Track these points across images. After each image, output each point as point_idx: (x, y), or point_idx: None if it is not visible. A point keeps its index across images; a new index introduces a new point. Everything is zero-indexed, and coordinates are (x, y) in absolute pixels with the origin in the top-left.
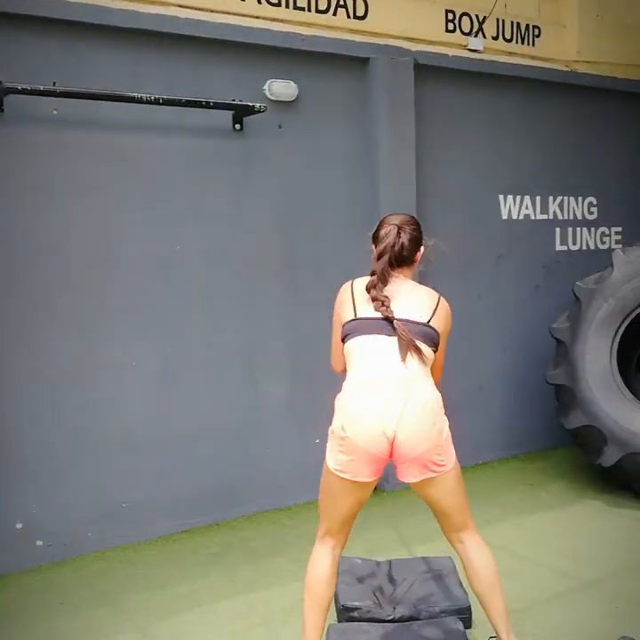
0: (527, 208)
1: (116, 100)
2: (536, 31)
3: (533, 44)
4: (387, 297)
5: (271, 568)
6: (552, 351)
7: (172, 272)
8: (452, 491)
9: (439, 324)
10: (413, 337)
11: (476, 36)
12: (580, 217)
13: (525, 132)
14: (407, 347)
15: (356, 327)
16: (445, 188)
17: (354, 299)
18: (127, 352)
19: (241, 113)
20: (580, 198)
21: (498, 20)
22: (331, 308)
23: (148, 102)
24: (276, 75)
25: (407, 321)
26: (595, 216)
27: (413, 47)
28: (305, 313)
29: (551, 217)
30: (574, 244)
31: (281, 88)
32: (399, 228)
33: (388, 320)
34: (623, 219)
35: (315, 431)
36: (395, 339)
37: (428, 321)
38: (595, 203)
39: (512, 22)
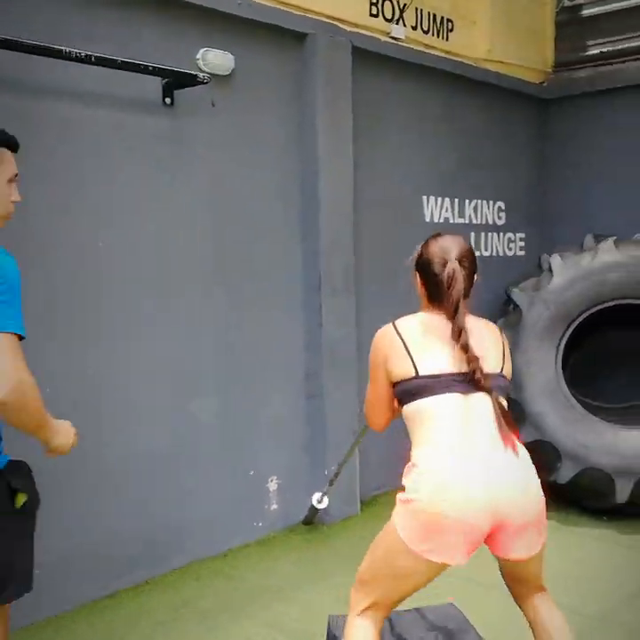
0: (447, 211)
1: (42, 54)
2: (449, 25)
3: (447, 39)
4: (476, 357)
5: (238, 634)
6: None
7: (88, 270)
8: (541, 557)
9: (508, 369)
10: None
11: (397, 23)
12: (491, 222)
13: (446, 129)
14: (499, 410)
15: (425, 386)
16: (374, 184)
17: (408, 349)
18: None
19: (176, 83)
20: (491, 202)
21: (416, 9)
22: (268, 308)
23: (79, 60)
24: (210, 44)
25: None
26: (503, 221)
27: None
28: (238, 313)
29: (467, 221)
30: (486, 249)
31: (217, 58)
32: (461, 265)
33: (466, 375)
34: (525, 225)
35: (250, 460)
36: (476, 395)
37: (502, 369)
38: (503, 208)
39: (429, 13)
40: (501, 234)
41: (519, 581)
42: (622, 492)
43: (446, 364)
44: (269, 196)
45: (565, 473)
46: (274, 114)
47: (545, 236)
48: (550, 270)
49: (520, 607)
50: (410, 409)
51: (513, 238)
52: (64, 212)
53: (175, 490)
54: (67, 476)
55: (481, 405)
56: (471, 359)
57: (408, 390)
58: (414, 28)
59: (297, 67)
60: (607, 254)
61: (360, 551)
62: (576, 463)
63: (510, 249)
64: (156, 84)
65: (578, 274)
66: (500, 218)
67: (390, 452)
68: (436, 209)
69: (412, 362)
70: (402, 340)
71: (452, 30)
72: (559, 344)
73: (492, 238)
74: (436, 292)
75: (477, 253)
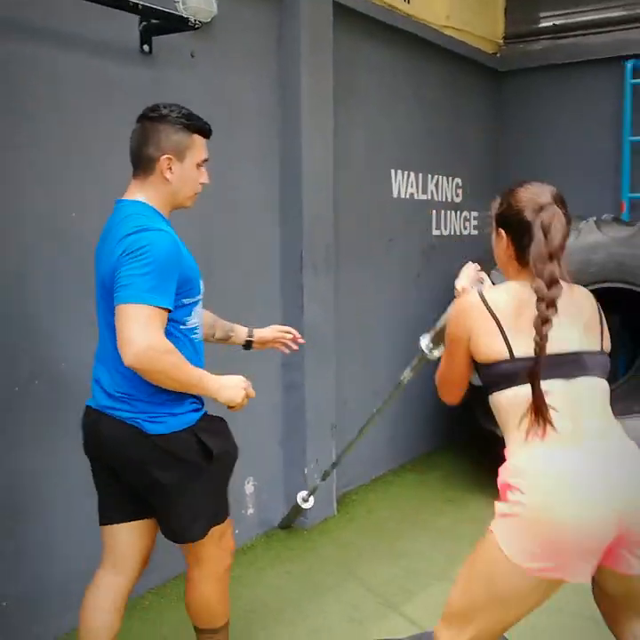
0: (412, 186)
1: None
2: None
3: (408, 1)
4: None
5: None
6: None
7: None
8: None
9: (607, 344)
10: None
11: None
12: (450, 199)
13: (411, 97)
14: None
15: (522, 371)
16: (350, 156)
17: (501, 326)
18: None
19: (157, 28)
20: (450, 178)
21: None
22: (245, 289)
23: None
24: None
25: (584, 353)
26: (460, 199)
27: None
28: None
29: (429, 197)
30: (446, 228)
31: (200, 1)
32: (562, 210)
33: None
34: (479, 203)
35: None
36: (580, 378)
37: (602, 345)
38: (461, 184)
39: None
40: (458, 212)
41: (628, 601)
42: None
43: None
44: (247, 166)
45: None
46: (254, 71)
47: None
48: None
49: (616, 634)
50: (503, 398)
51: (468, 217)
52: (22, 173)
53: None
54: None
55: (586, 390)
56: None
57: (501, 375)
58: None
59: (279, 18)
60: (590, 235)
61: (349, 557)
62: None
63: (465, 228)
64: (132, 28)
65: None
66: (457, 195)
67: (358, 444)
68: (402, 184)
69: (506, 341)
70: (492, 314)
71: None
72: None
73: (450, 217)
74: (528, 250)
75: (438, 232)
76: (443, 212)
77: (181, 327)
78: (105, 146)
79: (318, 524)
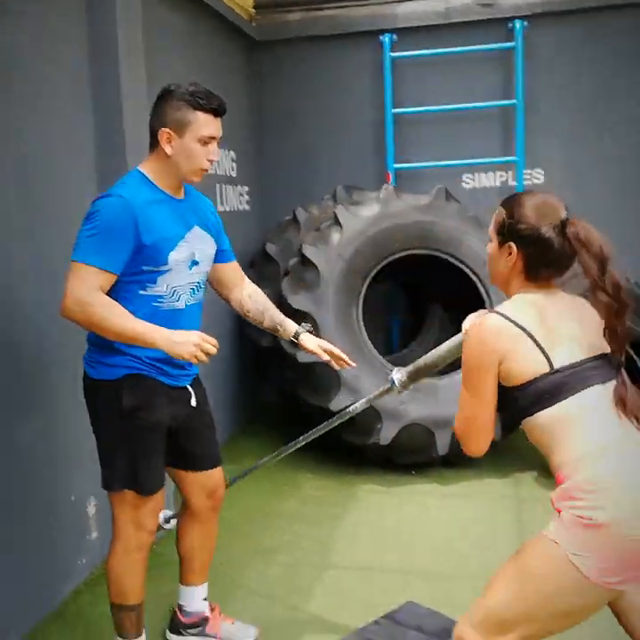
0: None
1: None
2: None
3: None
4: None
5: None
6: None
7: None
8: None
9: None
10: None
11: None
12: (228, 173)
13: (186, 57)
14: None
15: (566, 383)
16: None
17: (535, 339)
18: None
19: None
20: (228, 151)
21: None
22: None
23: None
24: None
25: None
26: (235, 173)
27: None
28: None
29: (212, 171)
30: (226, 203)
31: None
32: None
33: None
34: (249, 177)
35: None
36: (613, 381)
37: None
38: (235, 158)
39: None
40: (236, 186)
41: None
42: (442, 444)
43: (579, 349)
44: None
45: (387, 433)
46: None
47: (267, 189)
48: (337, 223)
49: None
50: (550, 415)
51: (242, 191)
52: None
53: None
54: None
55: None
56: (620, 336)
57: (545, 391)
58: None
59: None
60: (392, 203)
61: (216, 561)
62: (396, 421)
63: (240, 203)
64: None
65: (366, 225)
66: (233, 169)
67: None
68: None
69: (545, 354)
70: (522, 328)
71: None
72: (358, 300)
73: (227, 191)
74: (547, 263)
75: (220, 209)
76: (223, 187)
77: (141, 292)
78: None
79: (166, 536)
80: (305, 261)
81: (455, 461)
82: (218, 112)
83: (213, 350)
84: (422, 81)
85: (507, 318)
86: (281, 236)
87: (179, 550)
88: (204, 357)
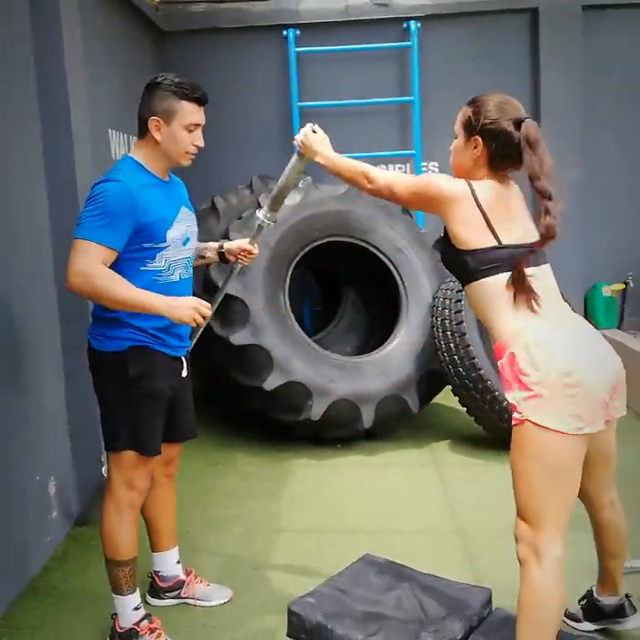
0: (123, 147)
1: None
2: None
3: None
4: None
5: None
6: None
7: None
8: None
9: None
10: None
11: None
12: None
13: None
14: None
15: (509, 258)
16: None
17: (486, 216)
18: None
19: None
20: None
21: None
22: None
23: None
24: None
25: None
26: None
27: None
28: None
29: None
30: None
31: None
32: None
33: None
34: None
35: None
36: (543, 267)
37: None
38: None
39: None
40: None
41: (606, 468)
42: (367, 418)
43: (522, 233)
44: None
45: (317, 409)
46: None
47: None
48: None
49: (596, 512)
50: (493, 282)
51: None
52: None
53: None
54: None
55: (549, 278)
56: (551, 227)
57: (490, 261)
58: None
59: None
60: (310, 194)
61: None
62: (325, 398)
63: None
64: None
65: (289, 214)
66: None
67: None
68: (119, 147)
69: (492, 230)
70: (477, 202)
71: None
72: (284, 285)
73: None
74: (507, 156)
75: None
76: None
77: (141, 268)
78: None
79: None
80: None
81: (377, 434)
82: (201, 101)
83: (208, 313)
84: (326, 76)
85: (470, 187)
86: (201, 225)
87: (145, 519)
88: (200, 319)
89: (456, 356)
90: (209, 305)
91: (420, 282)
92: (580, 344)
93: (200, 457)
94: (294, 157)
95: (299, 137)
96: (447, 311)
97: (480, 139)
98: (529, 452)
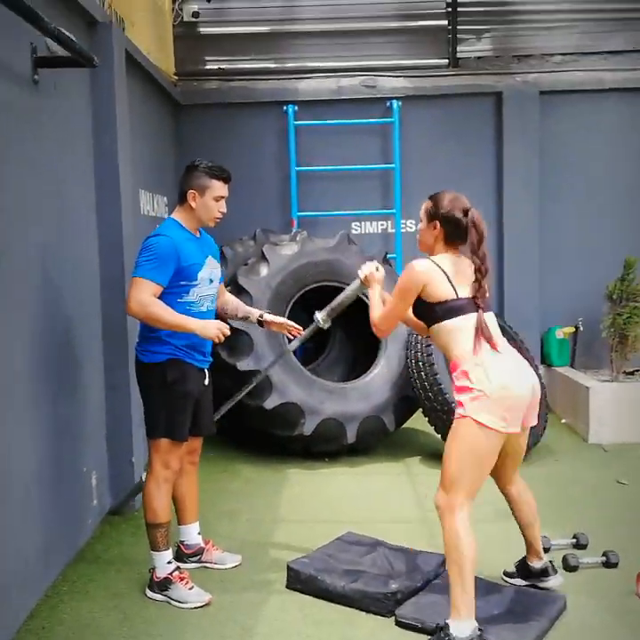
0: (148, 203)
1: None
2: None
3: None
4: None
5: None
6: None
7: None
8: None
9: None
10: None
11: None
12: (162, 216)
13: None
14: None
15: (464, 306)
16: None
17: (449, 278)
18: None
19: (50, 60)
20: (163, 197)
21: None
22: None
23: None
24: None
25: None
26: (167, 216)
27: None
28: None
29: (158, 214)
30: None
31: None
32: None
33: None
34: None
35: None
36: (488, 314)
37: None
38: (167, 202)
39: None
40: None
41: (515, 459)
42: (351, 435)
43: (471, 290)
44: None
45: (309, 426)
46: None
47: None
48: (265, 259)
49: (504, 490)
50: (451, 324)
51: None
52: None
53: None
54: None
55: (492, 320)
56: (483, 288)
57: (451, 308)
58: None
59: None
60: (307, 244)
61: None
62: (316, 417)
63: None
64: (24, 57)
65: (288, 261)
66: (166, 212)
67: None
68: (146, 203)
69: (453, 287)
70: (442, 271)
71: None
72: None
73: None
74: (458, 235)
75: None
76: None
77: (178, 300)
78: None
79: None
80: (240, 290)
81: (359, 449)
82: (226, 180)
83: (228, 332)
84: (320, 145)
85: (434, 262)
86: None
87: (174, 497)
88: (222, 337)
89: (426, 383)
90: (228, 326)
91: None
92: (513, 366)
93: (209, 466)
94: (356, 283)
95: (365, 270)
96: (419, 345)
97: (438, 223)
98: (464, 440)
